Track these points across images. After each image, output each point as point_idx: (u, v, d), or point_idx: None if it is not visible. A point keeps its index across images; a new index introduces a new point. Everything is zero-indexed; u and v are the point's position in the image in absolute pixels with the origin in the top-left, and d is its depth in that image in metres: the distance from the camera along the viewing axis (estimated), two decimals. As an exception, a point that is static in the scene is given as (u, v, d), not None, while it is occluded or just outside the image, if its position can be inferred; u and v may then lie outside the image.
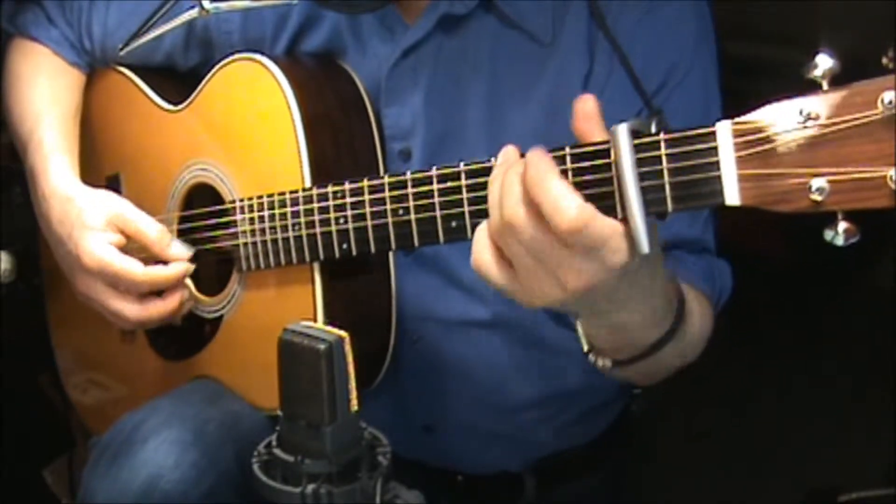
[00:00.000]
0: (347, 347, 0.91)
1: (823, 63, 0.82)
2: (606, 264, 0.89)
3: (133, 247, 1.36)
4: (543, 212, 0.87)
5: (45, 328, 1.70)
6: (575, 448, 1.48)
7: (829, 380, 1.88)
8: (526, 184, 0.88)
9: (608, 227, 0.88)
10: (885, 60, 0.80)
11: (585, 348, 1.10)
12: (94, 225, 1.34)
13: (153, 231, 1.35)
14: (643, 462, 1.65)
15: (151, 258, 1.35)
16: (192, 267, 1.36)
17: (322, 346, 0.90)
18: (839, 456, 1.80)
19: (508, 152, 0.96)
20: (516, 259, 0.92)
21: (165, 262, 1.35)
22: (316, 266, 1.25)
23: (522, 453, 1.45)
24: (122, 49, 1.39)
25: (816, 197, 0.82)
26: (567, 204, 0.86)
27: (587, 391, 1.42)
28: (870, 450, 1.77)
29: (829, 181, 0.81)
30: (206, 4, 1.25)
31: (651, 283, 0.98)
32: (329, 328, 0.93)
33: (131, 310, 1.34)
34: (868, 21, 1.54)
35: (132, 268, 1.32)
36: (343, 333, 0.92)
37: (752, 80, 1.63)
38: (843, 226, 0.83)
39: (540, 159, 0.88)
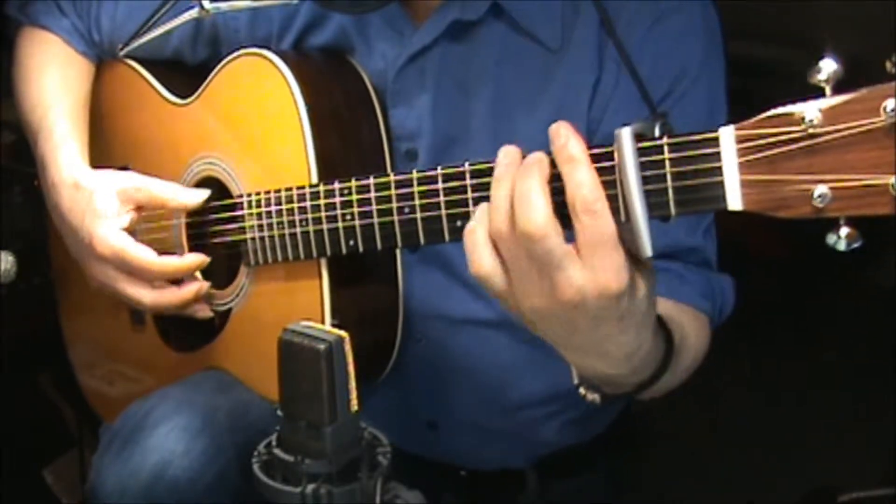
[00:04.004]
0: (347, 347, 0.91)
1: (827, 67, 0.82)
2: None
3: (143, 230, 1.36)
4: (594, 270, 0.86)
5: (45, 328, 1.70)
6: (577, 444, 1.48)
7: (829, 380, 1.88)
8: (590, 240, 0.86)
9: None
10: (888, 65, 0.80)
11: (576, 381, 1.08)
12: (106, 211, 1.35)
13: (166, 191, 1.35)
14: (644, 462, 1.65)
15: (165, 249, 1.36)
16: (206, 259, 1.37)
17: (322, 346, 0.90)
18: (839, 456, 1.80)
19: (510, 152, 0.94)
20: (513, 261, 0.90)
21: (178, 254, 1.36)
22: (323, 261, 1.25)
23: (525, 450, 1.46)
24: (122, 49, 1.40)
25: (818, 203, 0.82)
26: (620, 274, 0.86)
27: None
28: (870, 450, 1.77)
29: (831, 188, 0.81)
30: (207, 4, 1.25)
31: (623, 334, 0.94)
32: (329, 328, 0.93)
33: (146, 295, 1.35)
34: (870, 20, 1.54)
35: (146, 255, 1.33)
36: (343, 333, 0.92)
37: (752, 80, 1.63)
38: (845, 231, 0.83)
39: (603, 214, 0.87)
